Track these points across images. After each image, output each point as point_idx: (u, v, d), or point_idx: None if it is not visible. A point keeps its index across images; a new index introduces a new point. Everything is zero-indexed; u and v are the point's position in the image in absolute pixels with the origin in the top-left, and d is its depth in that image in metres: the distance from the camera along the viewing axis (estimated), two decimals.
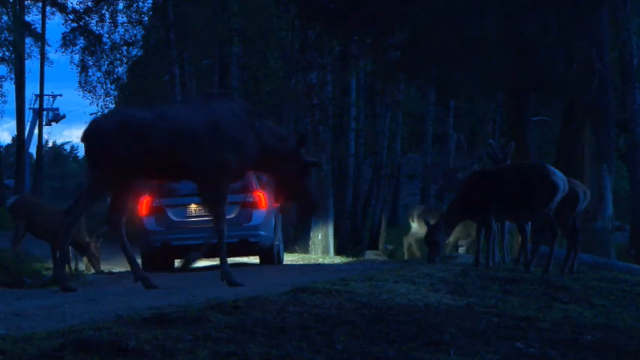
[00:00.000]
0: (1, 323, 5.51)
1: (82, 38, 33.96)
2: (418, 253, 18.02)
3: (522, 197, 10.54)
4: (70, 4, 35.46)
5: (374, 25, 17.82)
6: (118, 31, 32.22)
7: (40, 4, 36.25)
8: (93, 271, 15.10)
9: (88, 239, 15.04)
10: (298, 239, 22.25)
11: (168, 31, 24.70)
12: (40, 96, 39.64)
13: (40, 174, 36.84)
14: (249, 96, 25.77)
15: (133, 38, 32.76)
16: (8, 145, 58.67)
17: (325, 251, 22.06)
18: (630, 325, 6.40)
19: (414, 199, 42.53)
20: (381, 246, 28.43)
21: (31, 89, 41.70)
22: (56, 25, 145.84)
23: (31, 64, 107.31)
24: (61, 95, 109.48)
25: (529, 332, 5.41)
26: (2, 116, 72.25)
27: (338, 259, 18.79)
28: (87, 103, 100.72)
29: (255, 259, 15.77)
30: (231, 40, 26.47)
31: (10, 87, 60.95)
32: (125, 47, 32.86)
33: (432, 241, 11.13)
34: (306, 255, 20.66)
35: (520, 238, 11.77)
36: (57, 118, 51.16)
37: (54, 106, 51.13)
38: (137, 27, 32.21)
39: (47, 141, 65.49)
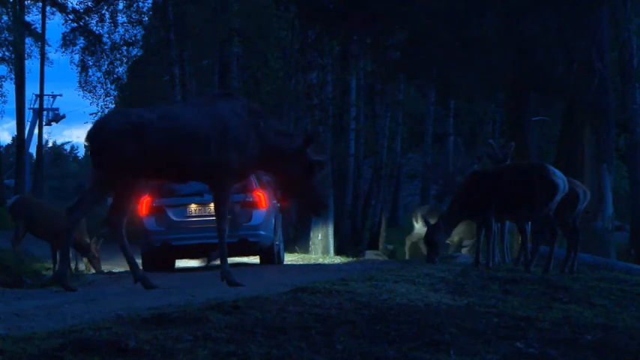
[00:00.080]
0: (1, 323, 5.51)
1: (82, 38, 33.99)
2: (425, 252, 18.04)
3: (522, 197, 10.54)
4: (70, 4, 35.53)
5: (374, 25, 17.82)
6: (118, 31, 32.27)
7: (40, 4, 36.27)
8: (93, 271, 15.10)
9: (88, 240, 15.04)
10: (298, 239, 22.25)
11: (168, 31, 24.70)
12: (40, 96, 39.65)
13: (40, 174, 36.85)
14: (249, 96, 25.75)
15: (133, 38, 32.79)
16: (8, 145, 58.72)
17: (325, 251, 22.07)
18: (630, 325, 6.40)
19: (414, 199, 42.54)
20: (381, 246, 28.44)
21: (31, 89, 41.78)
22: (56, 25, 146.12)
23: (31, 64, 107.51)
24: (61, 95, 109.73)
25: (529, 332, 5.41)
26: (2, 116, 72.34)
27: (338, 259, 18.80)
28: (87, 103, 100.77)
29: (255, 259, 15.77)
30: (231, 40, 26.48)
31: (10, 87, 61.06)
32: (125, 47, 32.88)
33: (431, 241, 11.14)
34: (306, 255, 20.66)
35: (520, 238, 11.77)
36: (57, 118, 51.17)
37: (54, 106, 51.18)
38: (137, 27, 32.24)
39: (47, 141, 65.58)
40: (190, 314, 5.18)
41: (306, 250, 21.70)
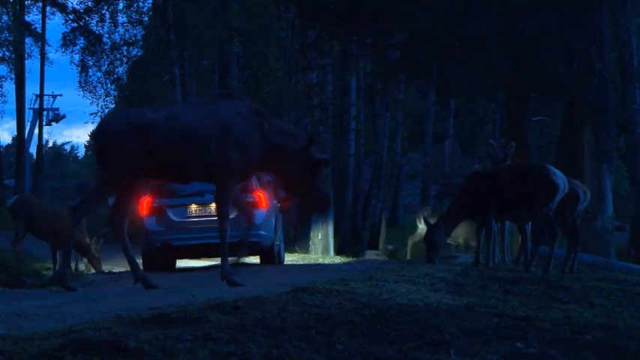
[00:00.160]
0: (1, 323, 5.51)
1: (82, 38, 33.98)
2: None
3: (522, 197, 10.54)
4: (70, 4, 35.56)
5: (374, 25, 17.83)
6: (118, 31, 32.26)
7: (40, 4, 36.28)
8: (93, 271, 15.10)
9: (88, 240, 15.04)
10: (298, 239, 22.25)
11: (168, 31, 24.71)
12: (40, 96, 39.65)
13: (40, 174, 36.85)
14: (249, 96, 25.75)
15: (133, 38, 32.78)
16: (8, 145, 58.70)
17: (325, 251, 22.06)
18: (630, 325, 6.40)
19: (414, 199, 42.54)
20: (381, 246, 28.45)
21: (31, 89, 41.78)
22: (56, 25, 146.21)
23: (31, 64, 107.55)
24: (61, 95, 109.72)
25: (529, 332, 5.41)
26: (2, 116, 72.38)
27: (338, 259, 18.79)
28: (87, 103, 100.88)
29: (255, 259, 15.78)
30: (231, 40, 26.47)
31: (10, 87, 61.14)
32: (125, 47, 32.87)
33: (431, 242, 11.14)
34: (306, 255, 20.66)
35: (520, 238, 11.77)
36: (57, 118, 51.19)
37: (54, 106, 51.20)
38: (137, 27, 32.23)
39: (47, 141, 65.55)
40: (190, 314, 5.18)
41: (306, 250, 21.70)
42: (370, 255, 22.95)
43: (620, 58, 22.92)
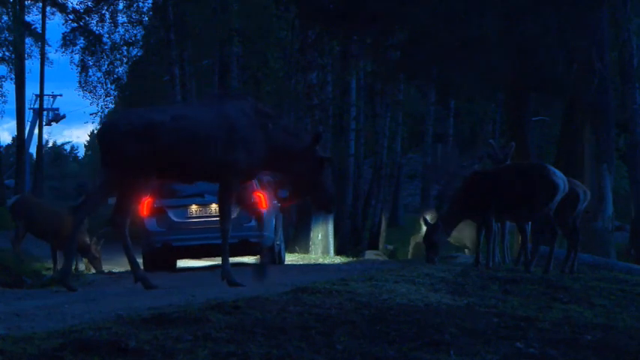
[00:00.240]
0: (1, 323, 5.51)
1: (82, 38, 33.97)
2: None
3: (522, 197, 10.54)
4: (70, 4, 35.53)
5: (374, 25, 17.82)
6: (118, 31, 32.26)
7: (40, 4, 36.27)
8: (93, 271, 15.10)
9: (88, 241, 15.04)
10: (298, 239, 22.25)
11: (168, 31, 24.71)
12: (40, 96, 39.65)
13: (40, 174, 36.85)
14: (250, 96, 25.72)
15: (133, 38, 32.79)
16: (8, 145, 58.70)
17: (325, 251, 22.07)
18: (630, 325, 6.40)
19: (414, 199, 42.54)
20: (381, 246, 28.45)
21: (31, 89, 41.77)
22: (56, 25, 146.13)
23: (31, 64, 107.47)
24: (61, 95, 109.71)
25: (529, 332, 5.41)
26: (2, 116, 72.34)
27: (338, 259, 18.80)
28: (87, 103, 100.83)
29: (255, 259, 15.77)
30: (231, 40, 26.47)
31: (10, 87, 61.03)
32: (125, 47, 32.87)
33: (430, 242, 11.13)
34: (306, 255, 20.67)
35: (520, 238, 11.77)
36: (57, 118, 51.20)
37: (54, 106, 51.21)
38: (137, 27, 32.23)
39: (47, 141, 65.60)
40: (190, 314, 5.18)
41: (306, 250, 21.70)
42: (370, 255, 22.96)
43: (620, 58, 22.93)
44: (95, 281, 11.97)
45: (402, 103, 31.46)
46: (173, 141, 8.50)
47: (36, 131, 41.67)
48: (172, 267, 14.55)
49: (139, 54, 34.57)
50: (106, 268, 15.47)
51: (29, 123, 43.49)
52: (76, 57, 34.52)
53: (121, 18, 31.82)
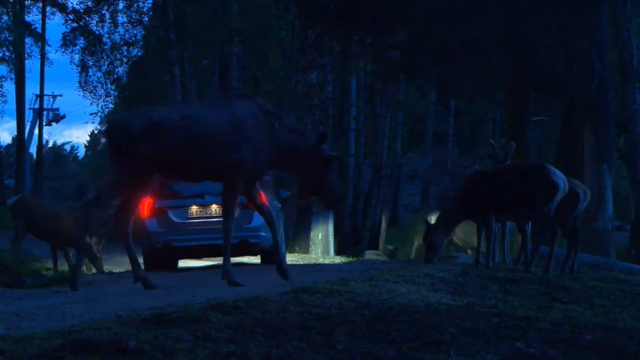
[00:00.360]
0: (1, 323, 5.51)
1: (82, 38, 33.96)
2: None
3: (522, 197, 10.54)
4: (70, 4, 35.52)
5: (374, 25, 17.82)
6: (118, 31, 32.25)
7: (40, 4, 36.26)
8: (94, 271, 15.11)
9: (89, 241, 15.05)
10: (298, 239, 22.25)
11: (168, 31, 24.71)
12: (40, 96, 39.64)
13: (40, 174, 36.84)
14: None
15: (133, 38, 32.78)
16: (8, 145, 58.66)
17: (325, 251, 22.06)
18: (630, 325, 6.40)
19: (414, 199, 42.53)
20: (381, 246, 28.45)
21: (31, 89, 41.78)
22: (56, 25, 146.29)
23: (31, 64, 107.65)
24: (61, 95, 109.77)
25: (529, 332, 5.41)
26: (2, 116, 72.31)
27: (338, 259, 18.79)
28: (87, 103, 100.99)
29: (256, 259, 15.80)
30: (231, 40, 26.48)
31: (10, 87, 61.15)
32: (125, 47, 32.86)
33: (430, 242, 11.13)
34: (306, 255, 20.67)
35: (520, 238, 11.77)
36: (57, 118, 51.21)
37: (54, 106, 51.22)
38: (137, 27, 32.22)
39: (47, 141, 65.59)
40: (190, 314, 5.18)
41: (306, 250, 21.70)
42: (370, 255, 22.96)
43: (620, 58, 22.93)
44: (95, 281, 11.97)
45: (402, 103, 31.45)
46: (183, 140, 8.53)
47: (36, 131, 41.71)
48: (174, 267, 14.57)
49: (139, 54, 34.57)
50: (106, 268, 15.49)
51: (29, 123, 43.51)
52: (76, 57, 34.55)
53: (121, 18, 31.85)
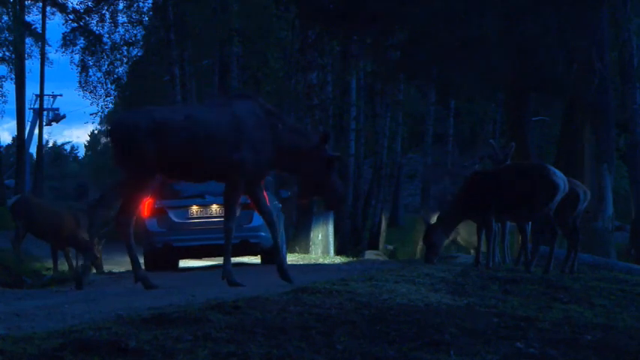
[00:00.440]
0: (1, 323, 5.51)
1: (82, 38, 33.95)
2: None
3: (522, 197, 10.54)
4: (70, 4, 35.50)
5: (374, 25, 17.82)
6: (118, 31, 32.22)
7: (40, 4, 36.25)
8: (94, 270, 15.11)
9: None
10: (298, 239, 22.25)
11: (168, 31, 24.70)
12: (40, 96, 39.63)
13: (40, 174, 36.84)
14: None
15: (133, 38, 32.76)
16: (8, 145, 58.63)
17: (325, 251, 22.06)
18: (630, 325, 6.40)
19: (414, 199, 42.52)
20: (381, 246, 28.44)
21: (31, 89, 41.76)
22: (56, 25, 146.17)
23: (31, 64, 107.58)
24: (61, 95, 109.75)
25: (529, 332, 5.41)
26: (2, 116, 72.38)
27: (338, 259, 18.79)
28: (87, 103, 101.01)
29: (256, 259, 15.80)
30: (231, 40, 26.47)
31: (10, 87, 61.14)
32: (125, 47, 32.84)
33: (430, 242, 11.13)
34: (306, 255, 20.66)
35: (520, 238, 11.77)
36: (57, 118, 51.19)
37: (54, 106, 51.18)
38: (137, 27, 32.20)
39: (47, 141, 65.52)
40: (191, 314, 5.18)
41: (306, 250, 21.70)
42: (370, 255, 22.95)
43: (620, 58, 22.93)
44: (95, 281, 11.98)
45: (402, 103, 31.45)
46: (185, 140, 8.53)
47: (36, 131, 41.69)
48: (174, 267, 14.59)
49: (139, 54, 34.56)
50: (106, 268, 15.49)
51: (29, 123, 43.49)
52: (76, 57, 34.52)
53: (121, 18, 31.82)
